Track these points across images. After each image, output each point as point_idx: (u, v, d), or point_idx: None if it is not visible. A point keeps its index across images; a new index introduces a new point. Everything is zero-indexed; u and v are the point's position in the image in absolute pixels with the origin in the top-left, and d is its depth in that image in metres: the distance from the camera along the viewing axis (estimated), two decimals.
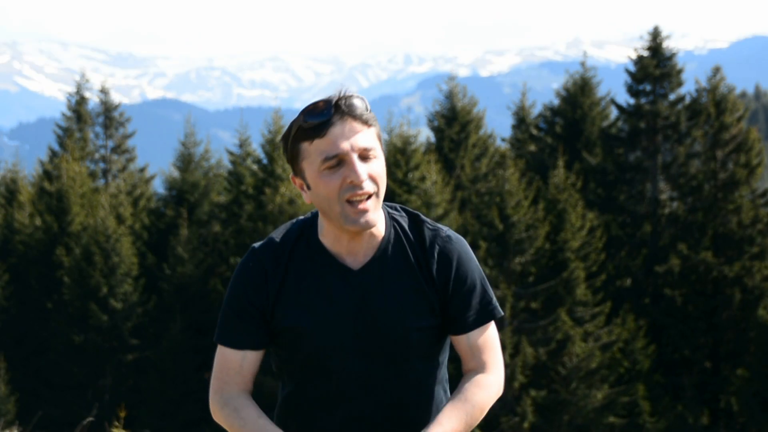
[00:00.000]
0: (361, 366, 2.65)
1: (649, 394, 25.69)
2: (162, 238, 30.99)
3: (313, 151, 2.60)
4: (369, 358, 2.65)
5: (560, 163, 26.75)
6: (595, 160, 29.59)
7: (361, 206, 2.58)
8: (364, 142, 2.60)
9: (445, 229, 2.75)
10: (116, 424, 8.75)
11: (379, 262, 2.68)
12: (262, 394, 25.01)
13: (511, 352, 24.07)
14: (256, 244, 2.74)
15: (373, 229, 2.68)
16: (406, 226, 2.73)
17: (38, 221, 31.65)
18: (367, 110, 2.64)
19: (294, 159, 2.66)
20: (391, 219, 2.73)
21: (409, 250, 2.70)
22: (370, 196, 2.60)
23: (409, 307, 2.66)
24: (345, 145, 2.58)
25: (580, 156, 29.63)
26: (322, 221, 2.70)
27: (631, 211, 28.94)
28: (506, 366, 24.07)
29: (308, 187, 2.65)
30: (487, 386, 2.68)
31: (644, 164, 29.12)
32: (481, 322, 2.71)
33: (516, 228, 24.53)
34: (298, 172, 2.67)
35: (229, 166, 31.80)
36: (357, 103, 2.62)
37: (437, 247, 2.70)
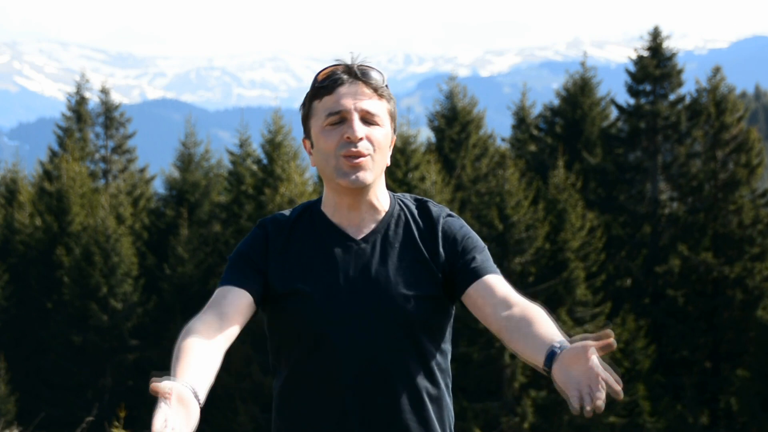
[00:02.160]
0: (363, 337, 2.64)
1: (649, 394, 25.69)
2: (162, 238, 30.99)
3: (320, 107, 2.70)
4: (371, 328, 2.64)
5: (560, 163, 26.75)
6: (595, 160, 29.58)
7: (355, 161, 2.65)
8: (369, 106, 2.68)
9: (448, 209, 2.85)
10: (116, 424, 8.74)
11: (382, 234, 2.73)
12: (262, 393, 25.03)
13: (512, 353, 24.05)
14: (263, 219, 2.82)
15: (376, 204, 2.74)
16: (412, 207, 2.81)
17: (38, 221, 31.66)
18: (383, 83, 2.73)
19: (306, 119, 2.76)
20: (396, 199, 2.81)
21: (414, 225, 2.76)
22: (364, 157, 2.67)
23: (410, 275, 2.69)
24: (348, 103, 2.67)
25: (580, 156, 29.62)
26: (325, 191, 2.78)
27: (631, 211, 28.93)
28: (507, 366, 24.07)
29: (312, 146, 2.75)
30: (539, 310, 2.58)
31: (644, 164, 29.11)
32: (495, 270, 2.71)
33: (516, 228, 24.53)
34: (307, 133, 2.77)
35: (230, 166, 31.82)
36: (371, 72, 2.73)
37: (442, 220, 2.77)
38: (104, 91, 36.12)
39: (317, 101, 2.71)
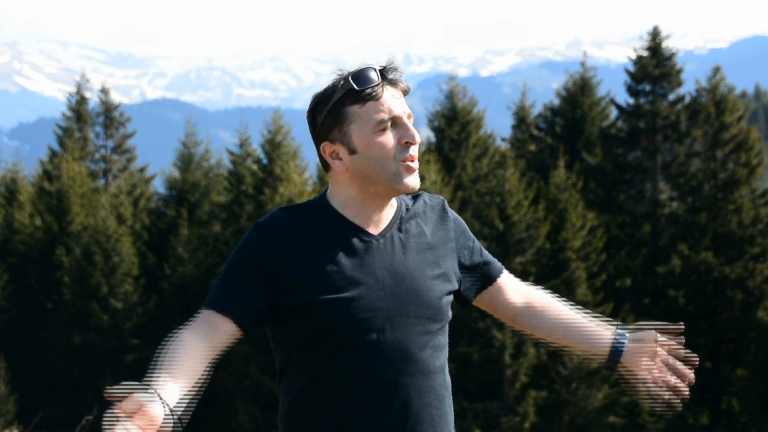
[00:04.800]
0: (396, 334, 2.62)
1: None
2: (162, 238, 31.00)
3: (364, 113, 2.64)
4: (403, 325, 2.62)
5: (561, 163, 26.76)
6: (594, 160, 29.58)
7: (413, 166, 2.67)
8: (409, 109, 2.72)
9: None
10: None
11: (397, 229, 2.72)
12: (262, 393, 25.04)
13: (513, 353, 24.07)
14: (260, 220, 2.70)
15: (394, 202, 2.77)
16: (411, 200, 2.82)
17: (38, 221, 31.66)
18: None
19: (336, 123, 2.67)
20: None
21: (420, 219, 2.77)
22: (414, 160, 2.70)
23: (434, 271, 2.72)
24: (398, 108, 2.67)
25: (580, 156, 29.63)
26: (344, 193, 2.70)
27: (631, 211, 28.92)
28: (508, 366, 24.07)
29: (351, 152, 2.66)
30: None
31: (644, 164, 29.10)
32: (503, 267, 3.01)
33: (516, 228, 24.54)
34: (337, 137, 2.67)
35: (229, 166, 31.82)
36: (401, 75, 2.74)
37: (447, 210, 2.84)
38: (104, 91, 36.11)
39: (358, 106, 2.64)
